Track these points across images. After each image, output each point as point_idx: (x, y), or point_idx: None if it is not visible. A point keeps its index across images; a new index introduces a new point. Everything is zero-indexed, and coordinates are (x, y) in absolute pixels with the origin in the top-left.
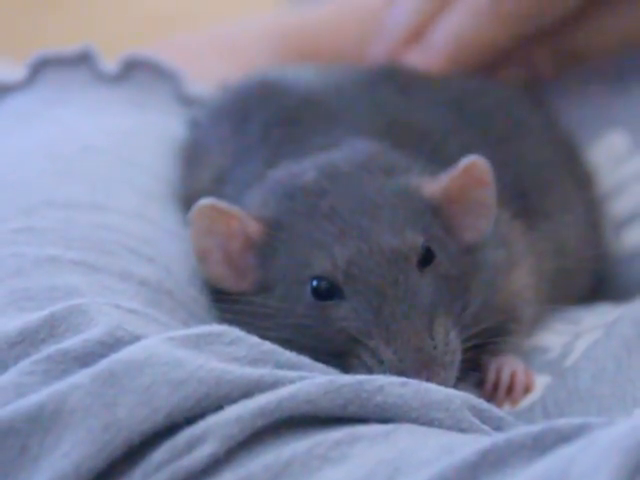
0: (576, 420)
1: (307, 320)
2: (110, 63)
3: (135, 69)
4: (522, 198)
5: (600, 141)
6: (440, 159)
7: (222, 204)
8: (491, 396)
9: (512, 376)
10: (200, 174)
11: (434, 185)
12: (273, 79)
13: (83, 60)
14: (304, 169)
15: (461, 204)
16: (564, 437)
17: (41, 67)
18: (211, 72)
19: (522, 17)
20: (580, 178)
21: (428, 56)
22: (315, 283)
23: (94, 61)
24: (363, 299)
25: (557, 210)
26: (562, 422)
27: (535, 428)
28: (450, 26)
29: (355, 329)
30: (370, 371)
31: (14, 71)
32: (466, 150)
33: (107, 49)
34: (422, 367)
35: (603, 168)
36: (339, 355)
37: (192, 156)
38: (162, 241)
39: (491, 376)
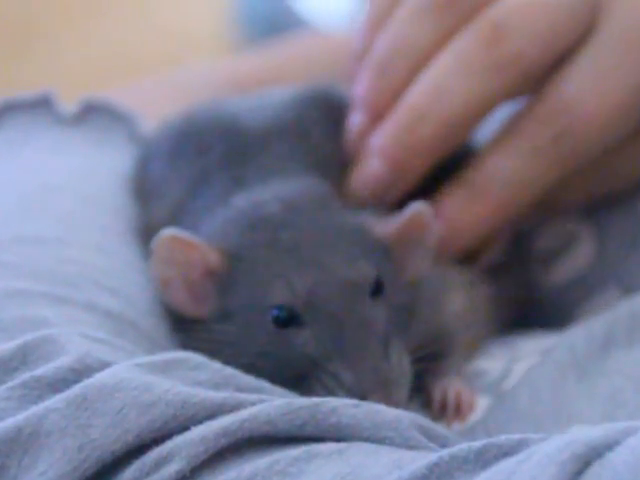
0: (515, 436)
1: (269, 347)
2: (69, 105)
3: (92, 112)
4: None
5: None
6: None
7: (183, 235)
8: (439, 415)
9: (457, 395)
10: (156, 207)
11: (384, 227)
12: (229, 113)
13: (43, 104)
14: (266, 201)
15: (407, 246)
16: (505, 452)
17: (4, 112)
18: (166, 115)
19: (581, 155)
20: None
21: (475, 202)
22: (276, 312)
23: (53, 105)
24: (322, 326)
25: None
26: (503, 438)
27: (478, 444)
28: (502, 169)
29: (315, 354)
30: (331, 393)
31: None
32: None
33: (71, 79)
34: (380, 386)
35: None
36: (300, 379)
37: (146, 190)
38: (123, 273)
39: (437, 397)
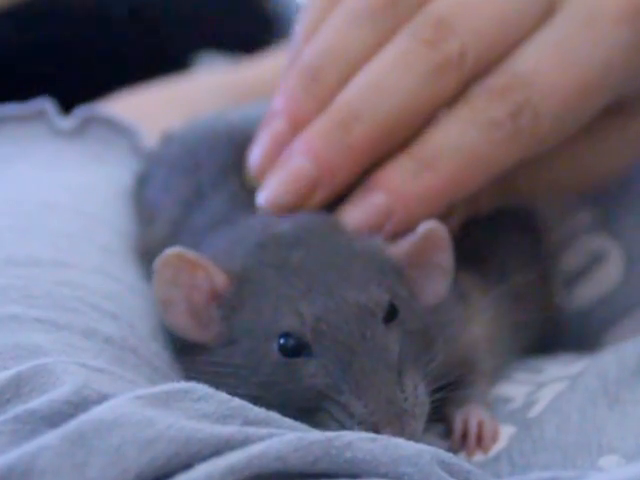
0: (546, 474)
1: (274, 377)
2: (67, 117)
3: (91, 124)
4: (479, 256)
5: None
6: None
7: (189, 253)
8: (460, 446)
9: (479, 425)
10: (154, 227)
11: (397, 249)
12: (224, 127)
13: (40, 116)
14: (277, 219)
15: (421, 268)
16: None
17: None
18: (167, 127)
19: (544, 135)
20: (532, 235)
21: (423, 173)
22: (282, 340)
23: (51, 117)
24: (332, 355)
25: (511, 266)
26: (533, 476)
27: None
28: (452, 137)
29: (325, 385)
30: (341, 426)
31: None
32: None
33: None
34: (394, 419)
35: (552, 221)
36: (309, 411)
37: (144, 210)
38: (124, 296)
39: (458, 426)
